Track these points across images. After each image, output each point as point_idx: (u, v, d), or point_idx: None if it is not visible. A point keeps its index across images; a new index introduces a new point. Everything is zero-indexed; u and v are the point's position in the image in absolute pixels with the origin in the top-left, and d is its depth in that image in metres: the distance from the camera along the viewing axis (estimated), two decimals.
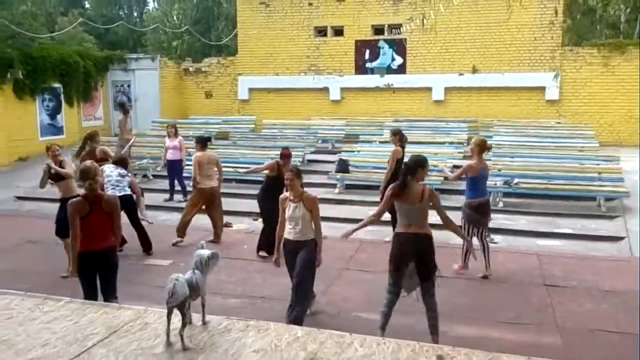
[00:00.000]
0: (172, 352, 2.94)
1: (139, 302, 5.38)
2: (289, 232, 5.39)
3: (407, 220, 5.08)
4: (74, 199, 5.24)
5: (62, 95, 16.18)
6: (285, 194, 5.49)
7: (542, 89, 15.11)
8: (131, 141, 12.52)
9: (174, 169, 11.52)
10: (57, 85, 15.98)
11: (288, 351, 2.93)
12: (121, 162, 8.25)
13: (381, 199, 8.49)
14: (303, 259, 5.34)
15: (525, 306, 6.12)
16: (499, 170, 11.22)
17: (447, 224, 5.17)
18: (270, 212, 7.40)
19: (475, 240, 6.96)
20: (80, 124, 16.85)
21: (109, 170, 7.94)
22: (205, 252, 3.47)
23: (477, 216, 6.98)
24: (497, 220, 9.65)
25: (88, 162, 5.65)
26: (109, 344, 3.01)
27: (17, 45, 14.95)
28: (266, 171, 8.30)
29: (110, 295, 5.07)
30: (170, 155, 11.43)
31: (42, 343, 3.04)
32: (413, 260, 4.99)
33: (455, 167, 8.34)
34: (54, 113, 16.03)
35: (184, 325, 2.98)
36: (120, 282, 6.49)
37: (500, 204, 10.38)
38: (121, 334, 3.13)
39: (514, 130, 14.13)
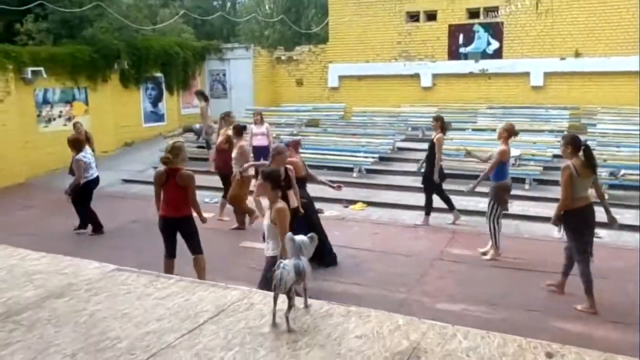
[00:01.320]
0: (277, 332, 3.04)
1: (236, 283, 5.62)
2: None
3: (583, 193, 5.77)
4: (158, 168, 6.08)
5: (163, 84, 17.06)
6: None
7: None
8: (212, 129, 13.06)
9: (261, 154, 11.83)
10: (158, 74, 16.85)
11: (390, 339, 2.94)
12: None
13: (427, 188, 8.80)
14: None
15: (633, 306, 5.76)
16: (605, 160, 10.59)
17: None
18: None
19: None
20: (180, 112, 17.70)
21: (84, 153, 8.88)
22: (304, 237, 3.51)
23: (506, 198, 7.37)
24: (602, 213, 9.13)
25: (173, 141, 6.21)
26: (219, 322, 3.15)
27: (124, 37, 15.85)
28: None
29: (194, 251, 6.14)
30: (258, 141, 11.73)
31: (157, 317, 3.23)
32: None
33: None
34: (155, 101, 16.95)
35: (289, 308, 3.07)
36: (220, 261, 6.82)
37: (605, 197, 9.76)
38: (229, 313, 3.27)
39: (620, 118, 13.23)
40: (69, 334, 3.00)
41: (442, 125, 8.81)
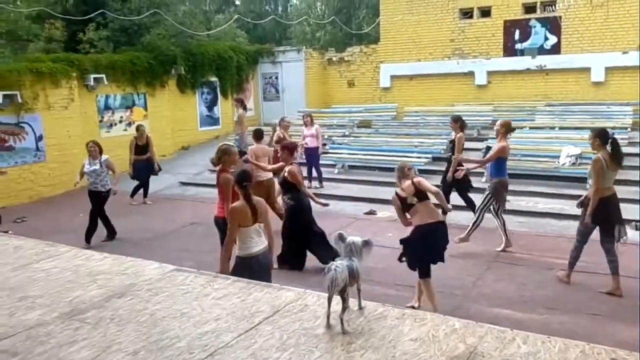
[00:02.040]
0: (332, 334, 3.04)
1: (290, 284, 5.67)
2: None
3: (609, 184, 6.07)
4: None
5: (218, 88, 17.42)
6: None
7: None
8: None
9: (312, 156, 11.88)
10: (213, 79, 17.22)
11: (446, 342, 2.89)
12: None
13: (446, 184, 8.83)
14: None
15: None
16: None
17: None
18: None
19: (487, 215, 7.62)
20: (234, 115, 17.96)
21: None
22: (358, 239, 3.50)
23: (505, 193, 7.57)
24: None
25: (225, 144, 6.44)
26: (274, 323, 3.18)
27: (179, 43, 16.28)
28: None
29: None
30: (308, 143, 11.80)
31: (215, 317, 3.30)
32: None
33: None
34: (211, 105, 17.33)
35: (343, 309, 3.07)
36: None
37: None
38: (284, 314, 3.30)
39: None
40: (130, 333, 3.11)
41: (461, 125, 8.88)
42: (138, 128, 11.83)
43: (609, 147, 6.04)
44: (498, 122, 7.88)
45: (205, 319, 3.27)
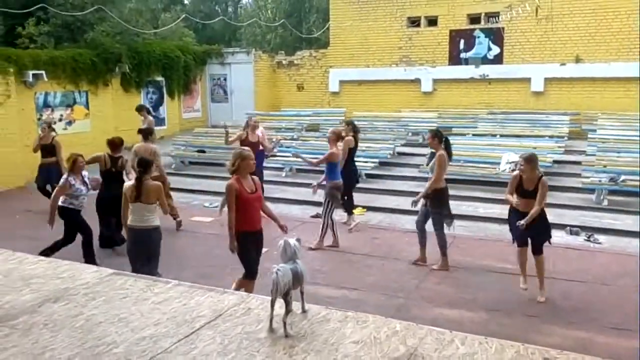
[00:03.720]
0: (274, 337, 3.03)
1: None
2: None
3: (444, 176, 7.18)
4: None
5: (164, 88, 17.06)
6: None
7: None
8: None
9: (257, 158, 11.72)
10: (159, 78, 16.86)
11: (388, 344, 2.93)
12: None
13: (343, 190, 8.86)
14: None
15: (632, 311, 5.75)
16: (604, 166, 10.56)
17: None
18: None
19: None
20: (181, 116, 17.69)
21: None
22: (293, 240, 3.47)
23: (339, 195, 8.24)
24: (601, 219, 9.15)
25: (239, 148, 6.35)
26: (216, 327, 3.14)
27: (125, 41, 15.85)
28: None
29: None
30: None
31: (154, 322, 3.22)
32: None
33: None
34: (156, 105, 16.94)
35: (287, 312, 3.05)
36: (219, 268, 6.79)
37: (605, 202, 9.78)
38: (226, 318, 3.25)
39: (621, 124, 13.20)
40: (64, 339, 2.99)
41: (353, 128, 9.28)
42: (42, 126, 10.74)
43: (443, 145, 6.98)
44: (330, 130, 8.50)
45: (144, 324, 3.18)
